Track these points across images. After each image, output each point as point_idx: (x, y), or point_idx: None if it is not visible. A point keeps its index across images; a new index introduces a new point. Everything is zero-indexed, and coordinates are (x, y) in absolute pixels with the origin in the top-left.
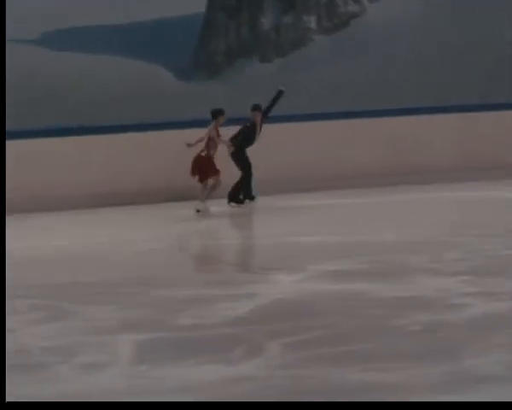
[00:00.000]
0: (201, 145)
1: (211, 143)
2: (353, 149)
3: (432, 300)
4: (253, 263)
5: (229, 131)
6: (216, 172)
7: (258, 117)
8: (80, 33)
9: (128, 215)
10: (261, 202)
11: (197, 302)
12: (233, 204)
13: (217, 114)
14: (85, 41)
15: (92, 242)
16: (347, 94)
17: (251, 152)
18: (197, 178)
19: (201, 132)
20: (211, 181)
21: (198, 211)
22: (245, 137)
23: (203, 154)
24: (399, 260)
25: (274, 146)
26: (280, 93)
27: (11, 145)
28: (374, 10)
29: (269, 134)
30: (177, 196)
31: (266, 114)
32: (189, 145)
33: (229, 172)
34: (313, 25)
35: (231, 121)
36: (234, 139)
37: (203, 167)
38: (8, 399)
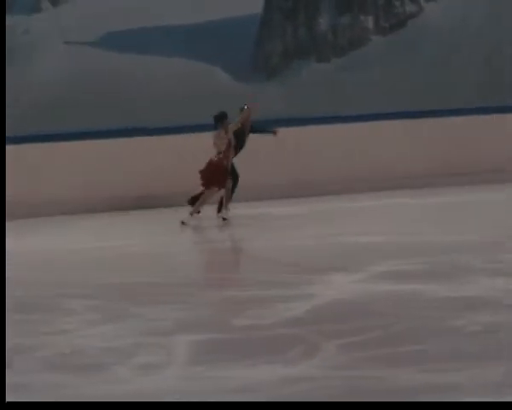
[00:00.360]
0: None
1: (229, 150)
2: (408, 149)
3: (491, 300)
4: (309, 264)
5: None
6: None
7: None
8: (139, 34)
9: (174, 217)
10: (317, 201)
11: (254, 303)
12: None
13: (223, 118)
14: (144, 42)
15: (144, 242)
16: (404, 94)
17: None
18: (203, 182)
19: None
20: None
21: (224, 219)
22: (238, 142)
23: (218, 158)
24: (456, 261)
25: (333, 147)
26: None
27: (74, 145)
28: (431, 10)
29: (328, 135)
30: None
31: (252, 131)
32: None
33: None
34: (370, 25)
35: (285, 122)
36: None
37: (214, 174)
38: (65, 399)
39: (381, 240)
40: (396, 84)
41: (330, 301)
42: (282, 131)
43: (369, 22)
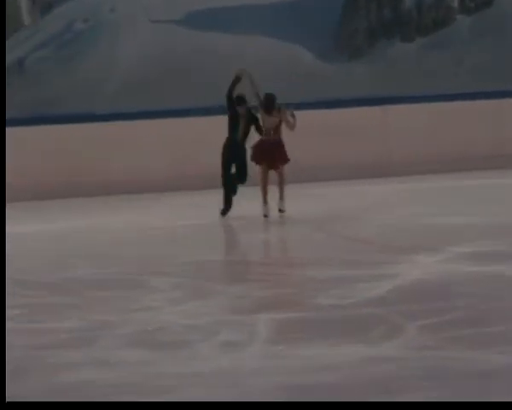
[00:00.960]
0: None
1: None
2: (490, 129)
3: None
4: (393, 244)
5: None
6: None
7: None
8: (222, 13)
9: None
10: (397, 181)
11: (337, 282)
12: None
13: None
14: (227, 21)
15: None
16: (489, 75)
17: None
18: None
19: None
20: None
21: (281, 211)
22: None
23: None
24: None
25: (417, 127)
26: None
27: (154, 123)
28: None
29: (412, 114)
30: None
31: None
32: None
33: None
34: (455, 4)
35: (373, 101)
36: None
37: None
38: (149, 375)
39: (464, 221)
40: (481, 64)
41: (413, 280)
42: (366, 110)
43: (455, 1)
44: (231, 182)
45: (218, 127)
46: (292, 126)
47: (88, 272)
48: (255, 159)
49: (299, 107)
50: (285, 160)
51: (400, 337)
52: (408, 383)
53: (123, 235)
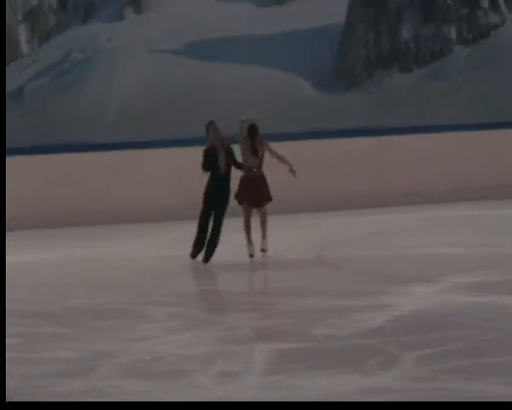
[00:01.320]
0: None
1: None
2: (489, 160)
3: None
4: (389, 274)
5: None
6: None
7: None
8: (220, 44)
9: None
10: (396, 212)
11: (333, 312)
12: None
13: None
14: (228, 51)
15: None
16: (486, 105)
17: None
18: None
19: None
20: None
21: (264, 251)
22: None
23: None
24: None
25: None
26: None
27: (150, 153)
28: None
29: (410, 145)
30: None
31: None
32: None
33: None
34: (453, 35)
35: (371, 132)
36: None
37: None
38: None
39: (461, 251)
40: (478, 95)
41: (410, 311)
42: (363, 141)
43: (452, 33)
44: (206, 230)
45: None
46: (280, 157)
47: (85, 301)
48: (238, 198)
49: (297, 137)
50: (268, 198)
51: (397, 368)
52: None
53: (122, 264)
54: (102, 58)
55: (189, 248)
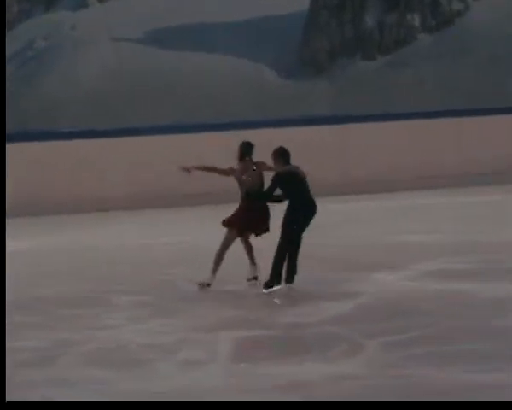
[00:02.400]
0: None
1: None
2: (458, 148)
3: None
4: (355, 262)
5: None
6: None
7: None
8: (185, 32)
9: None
10: (361, 200)
11: (299, 300)
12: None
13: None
14: (193, 39)
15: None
16: (450, 93)
17: None
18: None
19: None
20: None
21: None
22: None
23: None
24: (508, 260)
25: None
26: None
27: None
28: (478, 9)
29: (374, 133)
30: None
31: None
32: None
33: None
34: (417, 23)
35: (335, 120)
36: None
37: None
38: (108, 393)
39: (428, 239)
40: (441, 83)
41: (375, 299)
42: (327, 129)
43: (416, 21)
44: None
45: (179, 145)
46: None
47: (55, 290)
48: (230, 223)
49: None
50: (267, 229)
51: (362, 355)
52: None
53: (88, 253)
54: (66, 46)
55: (157, 237)
